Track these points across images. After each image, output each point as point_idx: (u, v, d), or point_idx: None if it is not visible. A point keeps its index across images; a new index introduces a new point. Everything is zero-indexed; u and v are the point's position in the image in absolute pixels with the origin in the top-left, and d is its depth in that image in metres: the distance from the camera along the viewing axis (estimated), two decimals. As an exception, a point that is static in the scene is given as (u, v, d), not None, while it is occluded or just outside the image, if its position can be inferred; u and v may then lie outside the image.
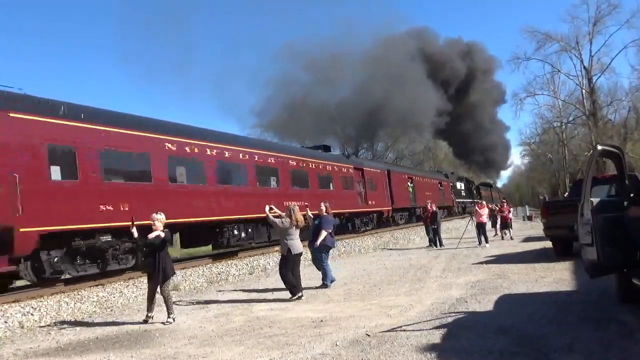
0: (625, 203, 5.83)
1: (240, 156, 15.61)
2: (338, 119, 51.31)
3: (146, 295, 7.60)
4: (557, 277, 8.66)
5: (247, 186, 15.83)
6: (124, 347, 5.90)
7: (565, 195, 25.12)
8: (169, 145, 12.79)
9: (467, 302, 7.04)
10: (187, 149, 13.37)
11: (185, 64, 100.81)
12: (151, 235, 7.29)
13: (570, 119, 48.09)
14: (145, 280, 7.98)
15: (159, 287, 7.33)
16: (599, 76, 43.69)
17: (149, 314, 7.42)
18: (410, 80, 48.56)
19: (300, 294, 8.40)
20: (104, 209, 10.68)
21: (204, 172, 13.99)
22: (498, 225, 22.71)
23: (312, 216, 9.69)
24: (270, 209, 8.88)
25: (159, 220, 7.45)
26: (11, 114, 9.29)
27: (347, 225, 23.00)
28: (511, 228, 19.94)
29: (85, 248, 10.49)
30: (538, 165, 68.97)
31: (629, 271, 5.67)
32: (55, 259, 9.90)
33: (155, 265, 7.23)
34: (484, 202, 19.51)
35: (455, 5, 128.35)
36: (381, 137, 57.62)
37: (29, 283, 9.48)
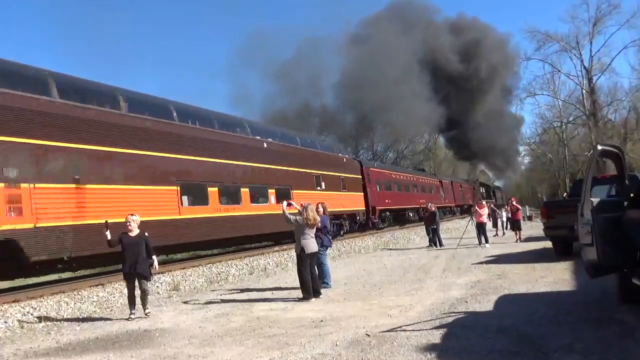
0: (625, 203, 5.84)
1: (407, 178, 34.42)
2: (335, 120, 51.22)
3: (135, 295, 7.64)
4: (557, 277, 8.66)
5: (410, 192, 33.99)
6: (124, 347, 5.89)
7: (565, 195, 25.12)
8: (393, 175, 31.63)
9: (467, 302, 7.04)
10: (396, 176, 32.12)
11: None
12: None
13: (570, 119, 48.20)
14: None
15: (138, 283, 7.49)
16: (599, 76, 43.88)
17: (144, 311, 7.56)
18: (407, 83, 47.54)
19: (312, 299, 7.99)
20: (387, 201, 28.80)
21: (401, 186, 32.09)
22: (499, 224, 22.76)
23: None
24: (289, 204, 8.58)
25: (134, 221, 7.63)
26: (370, 168, 27.43)
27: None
28: (521, 229, 18.38)
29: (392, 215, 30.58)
30: (538, 165, 68.97)
31: (629, 271, 5.67)
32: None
33: (136, 265, 7.37)
34: (484, 202, 19.34)
35: (453, 5, 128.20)
36: (381, 138, 57.52)
37: (29, 283, 9.57)
